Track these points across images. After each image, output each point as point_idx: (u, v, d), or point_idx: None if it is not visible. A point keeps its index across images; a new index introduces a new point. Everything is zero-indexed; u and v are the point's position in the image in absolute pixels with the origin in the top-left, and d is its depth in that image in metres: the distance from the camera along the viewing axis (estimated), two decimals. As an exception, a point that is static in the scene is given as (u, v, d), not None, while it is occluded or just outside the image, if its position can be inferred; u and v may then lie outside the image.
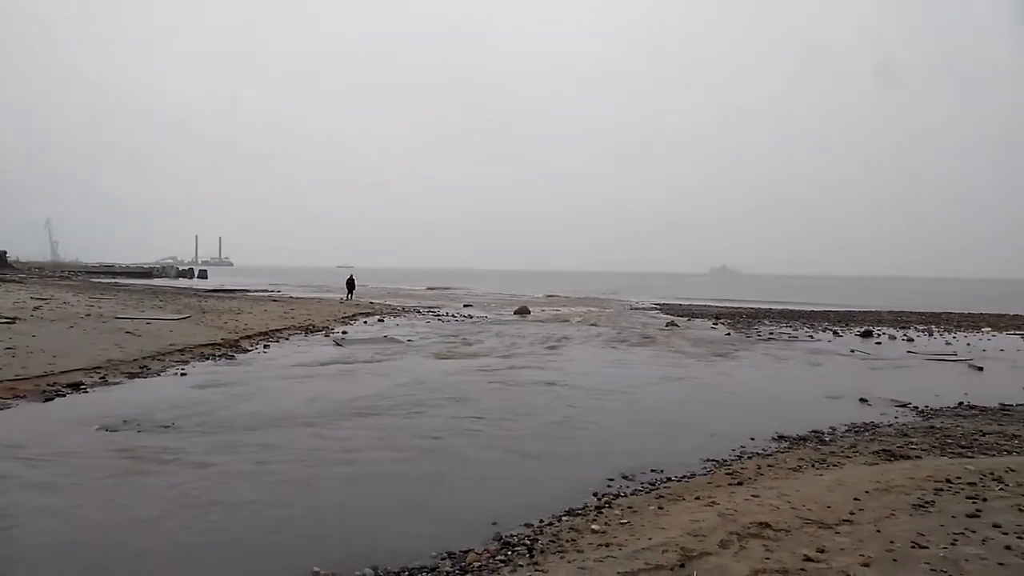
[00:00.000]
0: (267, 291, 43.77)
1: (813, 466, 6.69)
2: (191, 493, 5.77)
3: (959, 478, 5.44)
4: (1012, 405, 10.39)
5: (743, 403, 10.67)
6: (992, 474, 5.54)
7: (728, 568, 3.78)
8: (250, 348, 15.37)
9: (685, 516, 4.91)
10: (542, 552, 4.56)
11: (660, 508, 5.36)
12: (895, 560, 3.79)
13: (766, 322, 27.30)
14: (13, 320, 14.70)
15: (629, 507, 5.51)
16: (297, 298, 34.74)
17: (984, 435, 8.15)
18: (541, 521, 5.31)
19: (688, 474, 6.67)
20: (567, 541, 4.72)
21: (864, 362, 15.86)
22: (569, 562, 4.22)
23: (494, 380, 12.02)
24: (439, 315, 27.74)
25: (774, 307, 38.96)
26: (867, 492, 5.15)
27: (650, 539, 4.42)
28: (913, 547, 3.98)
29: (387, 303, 34.32)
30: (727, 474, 6.50)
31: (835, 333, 22.83)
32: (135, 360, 12.37)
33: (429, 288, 61.90)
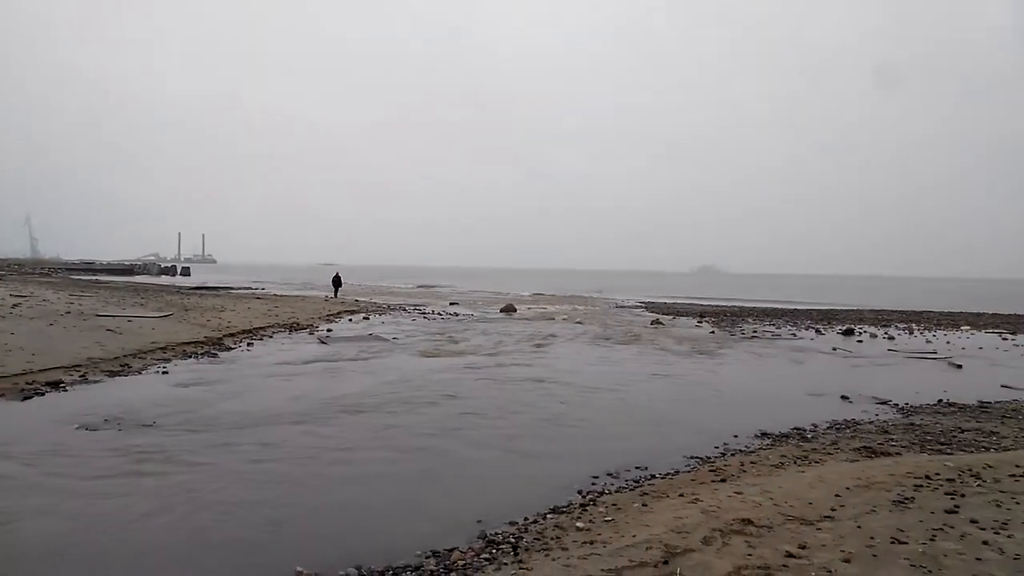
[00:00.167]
0: (251, 288, 43.35)
1: (795, 463, 6.76)
2: (173, 492, 5.71)
3: (938, 474, 5.53)
4: (990, 402, 10.57)
5: (727, 400, 10.75)
6: (970, 470, 5.63)
7: (711, 565, 3.81)
8: (233, 346, 15.23)
9: (669, 513, 4.94)
10: (527, 550, 4.57)
11: (644, 505, 5.39)
12: (875, 556, 3.84)
13: (750, 320, 27.53)
14: (-10, 317, 14.43)
15: (614, 504, 5.53)
16: (281, 296, 34.46)
17: (963, 432, 8.28)
18: (526, 519, 5.32)
19: (672, 471, 6.71)
20: (552, 539, 4.73)
21: (846, 360, 16.04)
22: (554, 560, 4.23)
23: (481, 378, 12.00)
24: (425, 313, 27.65)
25: (758, 306, 39.32)
26: (848, 489, 5.21)
27: (634, 536, 4.44)
28: (893, 543, 4.03)
29: (373, 301, 34.16)
30: (711, 471, 6.55)
31: (817, 331, 23.07)
32: (116, 358, 12.21)
33: (415, 286, 61.68)
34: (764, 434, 8.34)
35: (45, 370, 10.58)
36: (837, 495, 5.05)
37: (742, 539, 4.18)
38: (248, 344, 15.66)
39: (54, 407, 8.70)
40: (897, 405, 10.33)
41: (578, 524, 5.01)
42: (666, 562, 3.88)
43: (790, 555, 3.88)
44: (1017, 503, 4.76)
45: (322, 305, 28.24)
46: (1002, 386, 12.16)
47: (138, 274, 73.78)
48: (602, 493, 5.98)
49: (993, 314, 33.88)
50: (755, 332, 22.37)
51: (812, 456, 7.05)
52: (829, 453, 7.19)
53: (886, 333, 22.77)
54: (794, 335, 21.78)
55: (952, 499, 4.87)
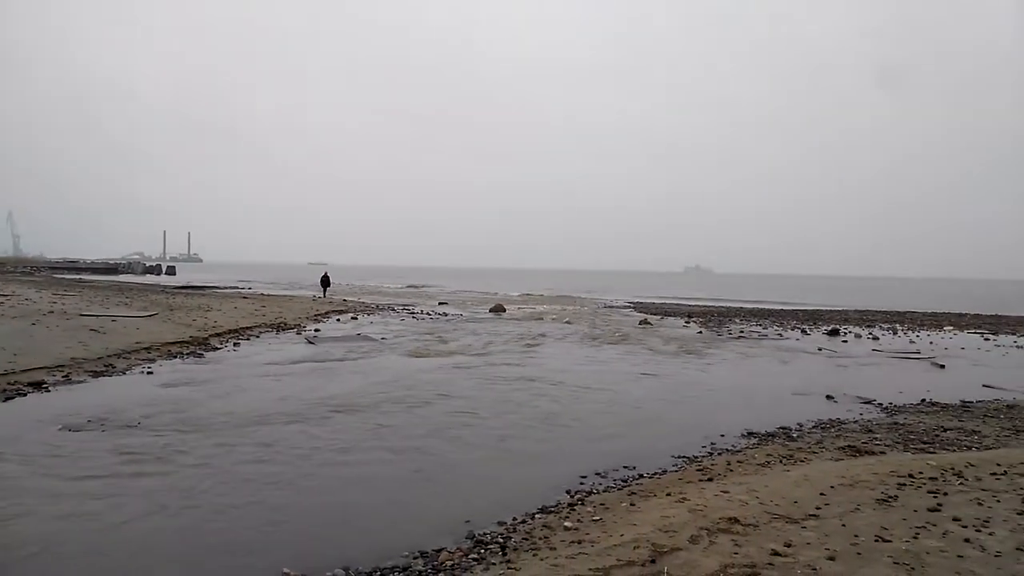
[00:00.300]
0: (237, 288, 43.04)
1: (781, 462, 6.81)
2: (159, 493, 5.65)
3: (921, 473, 5.60)
4: (972, 402, 10.72)
5: (714, 400, 10.82)
6: (952, 469, 5.71)
7: (698, 563, 3.83)
8: (220, 346, 15.11)
9: (656, 512, 4.96)
10: (515, 550, 4.57)
11: (632, 505, 5.41)
12: (859, 554, 3.88)
13: (737, 320, 27.71)
14: (-29, 317, 14.22)
15: (602, 504, 5.56)
16: (268, 295, 34.22)
17: (945, 431, 8.39)
18: (515, 519, 5.33)
19: (660, 470, 6.74)
20: (540, 539, 4.74)
21: (831, 360, 16.20)
22: (542, 560, 4.24)
23: (471, 378, 11.99)
24: (414, 313, 27.58)
25: (745, 306, 39.60)
26: (833, 487, 5.27)
27: (622, 535, 4.46)
28: (877, 541, 4.08)
29: (361, 301, 34.01)
30: (698, 470, 6.59)
31: (803, 331, 23.27)
32: (100, 358, 12.08)
33: (404, 286, 61.50)
34: (750, 433, 8.40)
35: (27, 370, 10.44)
36: (822, 494, 5.10)
37: (728, 538, 4.21)
38: (235, 344, 15.54)
39: (36, 408, 8.59)
40: (881, 404, 10.44)
41: (566, 524, 5.03)
42: (653, 561, 3.90)
43: (776, 553, 3.91)
44: (998, 501, 4.83)
45: (310, 305, 28.08)
46: (984, 386, 12.33)
47: (122, 273, 73.00)
48: (590, 493, 6.00)
49: (975, 315, 34.36)
50: (742, 332, 22.52)
51: (798, 455, 7.11)
52: (814, 452, 7.26)
53: (871, 333, 23.01)
54: (780, 335, 21.95)
55: (935, 497, 4.94)
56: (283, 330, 19.06)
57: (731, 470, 6.50)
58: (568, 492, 6.03)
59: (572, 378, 12.29)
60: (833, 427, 8.79)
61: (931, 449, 7.38)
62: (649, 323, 24.96)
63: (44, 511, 5.19)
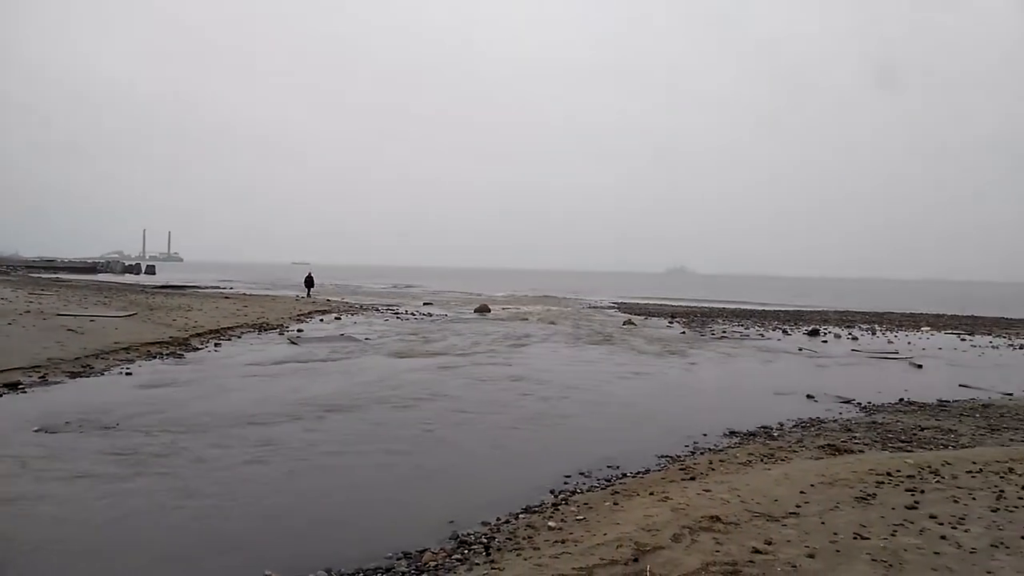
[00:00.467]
0: (219, 288, 42.55)
1: (762, 460, 6.88)
2: (137, 496, 5.58)
3: (899, 471, 5.69)
4: (949, 401, 10.90)
5: (696, 399, 10.91)
6: (929, 467, 5.81)
7: (680, 561, 3.86)
8: (200, 346, 14.93)
9: (639, 511, 4.99)
10: (499, 550, 4.57)
11: (615, 504, 5.43)
12: (838, 551, 3.93)
13: (719, 321, 27.95)
14: (-57, 316, 13.92)
15: (585, 503, 5.57)
16: (250, 295, 33.88)
17: (922, 430, 8.53)
18: (499, 519, 5.32)
19: (643, 470, 6.78)
20: (524, 539, 4.75)
21: (811, 360, 16.40)
22: (525, 559, 4.24)
23: (457, 378, 11.97)
24: (398, 313, 27.46)
25: (727, 306, 39.91)
26: (812, 485, 5.33)
27: (605, 534, 4.47)
28: (855, 538, 4.14)
29: (345, 301, 33.79)
30: (680, 469, 6.64)
31: (784, 332, 23.53)
32: (77, 359, 11.88)
33: (389, 286, 61.22)
34: (732, 432, 8.48)
35: (3, 371, 10.23)
36: (802, 492, 5.16)
37: (710, 536, 4.25)
38: (216, 344, 15.37)
39: (12, 409, 8.42)
40: (860, 404, 10.59)
41: (550, 523, 5.04)
42: (636, 560, 3.92)
43: (756, 551, 3.95)
44: (974, 499, 4.92)
45: (293, 305, 27.85)
46: (960, 385, 12.56)
47: (101, 272, 71.73)
48: (574, 492, 6.02)
49: (952, 315, 34.98)
50: (724, 332, 22.72)
51: (778, 454, 7.19)
52: (795, 451, 7.35)
53: (850, 334, 23.33)
54: (762, 335, 22.18)
55: (912, 495, 5.02)
56: (265, 330, 18.88)
57: (713, 469, 6.56)
58: (552, 492, 6.04)
59: (557, 378, 12.31)
60: (813, 426, 8.90)
61: (909, 448, 7.50)
62: (633, 323, 25.09)
63: (13, 512, 5.10)
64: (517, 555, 4.39)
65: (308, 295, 34.78)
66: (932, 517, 4.51)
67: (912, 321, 30.38)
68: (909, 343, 20.84)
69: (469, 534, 4.99)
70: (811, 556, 3.86)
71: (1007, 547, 3.98)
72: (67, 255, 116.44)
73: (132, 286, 37.94)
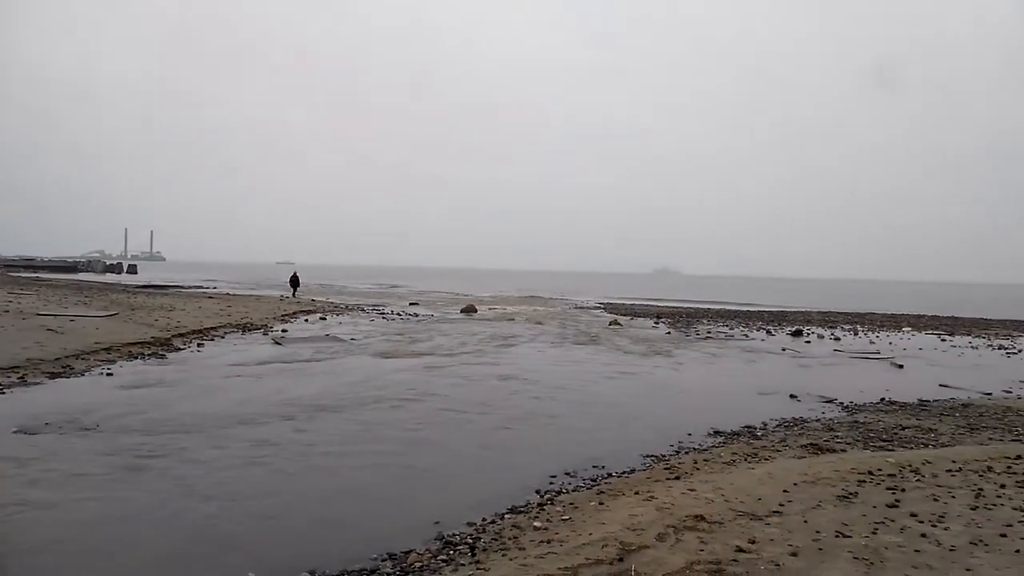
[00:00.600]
0: (202, 287, 42.12)
1: (746, 460, 6.94)
2: (118, 499, 5.50)
3: (880, 470, 5.76)
4: (929, 401, 11.06)
5: (681, 400, 10.97)
6: (910, 466, 5.88)
7: (665, 560, 3.88)
8: (183, 347, 14.76)
9: (624, 511, 5.01)
10: (484, 550, 4.56)
11: (601, 504, 5.45)
12: (820, 549, 3.97)
13: (704, 321, 28.12)
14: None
15: (571, 503, 5.58)
16: (234, 295, 33.56)
17: (903, 429, 8.64)
18: (484, 519, 5.32)
19: (628, 469, 6.81)
20: (509, 539, 4.74)
21: (794, 360, 16.55)
22: (511, 560, 4.24)
23: (443, 378, 11.93)
24: (384, 313, 27.33)
25: (712, 307, 40.19)
26: (795, 484, 5.38)
27: (590, 534, 4.48)
28: (838, 536, 4.18)
29: (330, 301, 33.59)
30: (665, 469, 6.67)
31: (768, 332, 23.72)
32: (57, 359, 11.69)
33: (374, 286, 60.94)
34: (717, 432, 8.53)
35: (-21, 372, 10.05)
36: (785, 491, 5.21)
37: (695, 535, 4.27)
38: (198, 345, 15.21)
39: (-11, 410, 8.27)
40: (842, 403, 10.71)
41: (535, 524, 5.04)
42: (621, 559, 3.94)
43: (740, 550, 3.98)
44: (953, 497, 5.00)
45: (277, 305, 27.63)
46: (940, 385, 12.74)
47: (82, 271, 70.71)
48: (560, 492, 6.03)
49: (932, 316, 35.47)
50: (709, 333, 22.87)
51: (762, 453, 7.25)
52: (778, 450, 7.41)
53: (832, 334, 23.57)
54: (746, 336, 22.35)
55: (893, 494, 5.08)
56: (249, 330, 18.71)
57: (698, 468, 6.59)
58: (538, 492, 6.04)
59: (544, 378, 12.32)
60: (796, 426, 8.98)
61: (890, 447, 7.59)
62: (619, 324, 25.18)
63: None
64: (503, 555, 4.38)
65: (293, 295, 34.52)
66: (913, 515, 4.57)
67: (893, 322, 30.77)
68: (890, 343, 21.11)
69: (455, 535, 4.98)
70: (794, 554, 3.90)
71: (986, 545, 4.04)
72: (47, 254, 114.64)
73: (113, 285, 37.43)
